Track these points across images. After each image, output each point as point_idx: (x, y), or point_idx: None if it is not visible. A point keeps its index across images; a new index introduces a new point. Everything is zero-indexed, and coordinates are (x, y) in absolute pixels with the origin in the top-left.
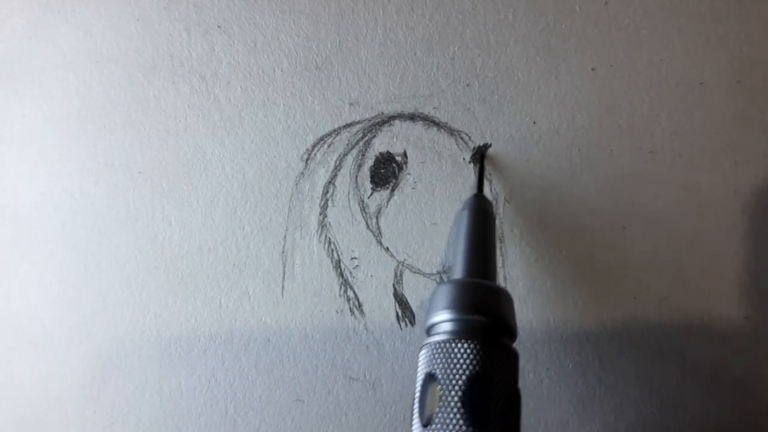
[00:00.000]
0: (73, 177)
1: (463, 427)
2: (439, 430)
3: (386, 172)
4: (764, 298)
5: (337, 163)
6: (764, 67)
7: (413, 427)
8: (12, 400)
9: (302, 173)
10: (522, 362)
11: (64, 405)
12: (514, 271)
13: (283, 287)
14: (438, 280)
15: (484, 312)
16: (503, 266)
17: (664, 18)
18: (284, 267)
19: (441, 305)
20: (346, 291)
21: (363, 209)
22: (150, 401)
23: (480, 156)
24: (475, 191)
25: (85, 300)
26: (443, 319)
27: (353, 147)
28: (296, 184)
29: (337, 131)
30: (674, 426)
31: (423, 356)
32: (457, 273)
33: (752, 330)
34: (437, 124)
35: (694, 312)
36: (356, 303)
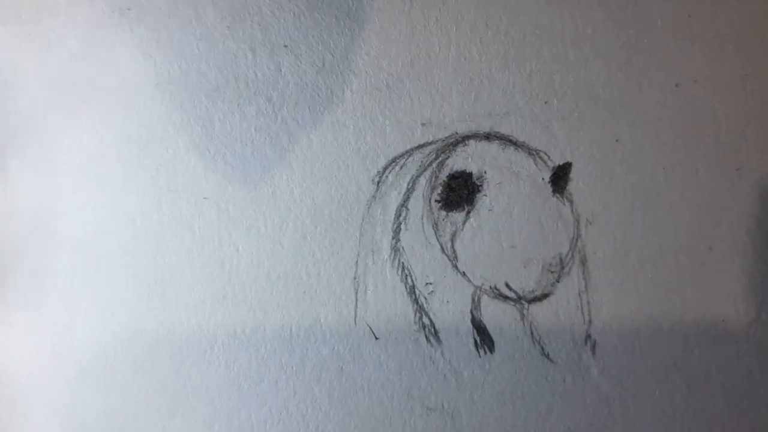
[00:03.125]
0: (135, 203)
1: None
2: None
3: (461, 193)
4: None
5: (410, 185)
6: None
7: None
8: None
9: (374, 196)
10: (607, 390)
11: (59, 391)
12: (598, 296)
13: (355, 315)
14: (518, 306)
15: None
16: (586, 290)
17: (749, 32)
18: (356, 293)
19: None
20: (421, 317)
21: (437, 233)
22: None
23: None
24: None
25: (150, 331)
26: None
27: (426, 168)
28: (368, 208)
29: (409, 152)
30: None
31: None
32: None
33: None
34: (514, 144)
35: None
36: (432, 330)
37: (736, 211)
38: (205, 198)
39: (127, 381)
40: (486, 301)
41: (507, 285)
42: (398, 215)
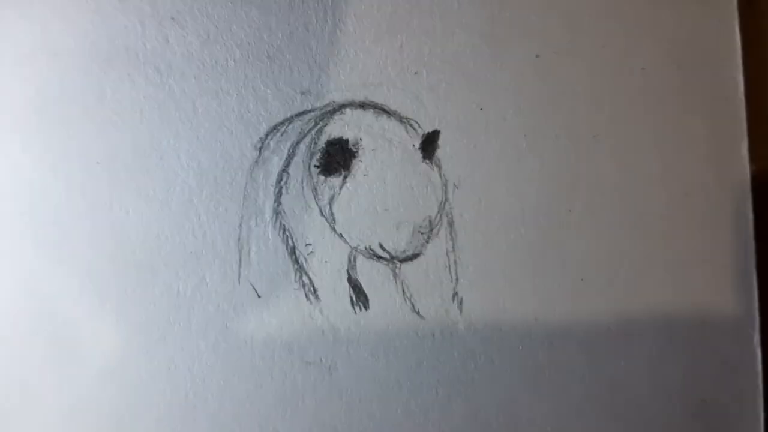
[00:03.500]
0: (31, 169)
1: None
2: None
3: (338, 159)
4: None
5: (291, 151)
6: (699, 52)
7: None
8: None
9: (256, 162)
10: (473, 344)
11: (24, 392)
12: (465, 256)
13: (239, 274)
14: (390, 265)
15: None
16: (453, 250)
17: (608, 4)
18: (240, 254)
19: None
20: (301, 277)
21: (316, 196)
22: (109, 389)
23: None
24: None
25: (46, 288)
26: None
27: (306, 135)
28: (250, 173)
29: (289, 120)
30: (621, 404)
31: None
32: None
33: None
34: (387, 112)
35: (641, 291)
36: (311, 288)
37: (593, 177)
38: (97, 163)
39: (22, 335)
40: (361, 261)
41: (381, 246)
42: (279, 180)
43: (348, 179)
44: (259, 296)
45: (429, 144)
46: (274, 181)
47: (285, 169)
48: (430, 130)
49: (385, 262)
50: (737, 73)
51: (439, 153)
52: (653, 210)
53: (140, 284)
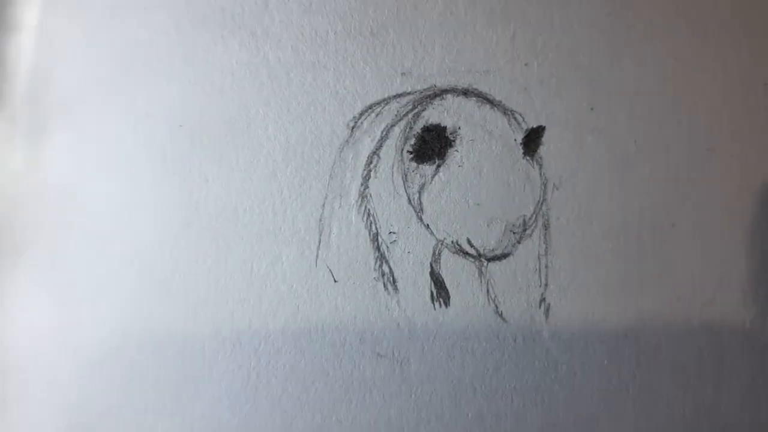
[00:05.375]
0: (112, 124)
1: None
2: None
3: (434, 146)
4: None
5: (384, 133)
6: None
7: None
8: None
9: (347, 141)
10: (556, 354)
11: (83, 358)
12: (557, 260)
13: (317, 256)
14: (477, 263)
15: None
16: (546, 254)
17: (733, 15)
18: (320, 235)
19: None
20: (381, 265)
21: (406, 183)
22: (172, 360)
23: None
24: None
25: (117, 251)
26: None
27: (402, 118)
28: (340, 152)
29: (386, 101)
30: (706, 430)
31: None
32: None
33: None
34: (491, 102)
35: (738, 318)
36: (391, 278)
37: (703, 192)
38: (180, 126)
39: (86, 300)
40: (446, 255)
41: (468, 241)
42: (369, 162)
43: (441, 168)
44: (335, 281)
45: (532, 140)
46: (364, 162)
47: (376, 152)
48: (535, 126)
49: (472, 259)
50: None
51: (542, 150)
52: (763, 234)
53: (212, 256)
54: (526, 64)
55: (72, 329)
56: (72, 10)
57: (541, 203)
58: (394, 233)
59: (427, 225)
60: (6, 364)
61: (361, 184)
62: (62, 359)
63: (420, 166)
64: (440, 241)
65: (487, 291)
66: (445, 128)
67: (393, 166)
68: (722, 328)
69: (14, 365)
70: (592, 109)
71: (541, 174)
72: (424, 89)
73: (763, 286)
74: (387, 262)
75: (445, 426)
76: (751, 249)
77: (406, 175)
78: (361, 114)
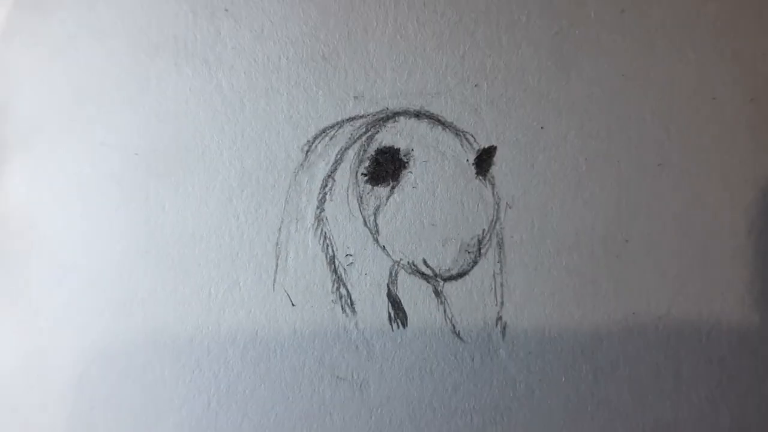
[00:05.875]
0: (67, 155)
1: None
2: None
3: (388, 168)
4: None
5: (338, 156)
6: None
7: None
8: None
9: (302, 165)
10: (514, 372)
11: (46, 387)
12: (512, 279)
13: (274, 280)
14: (433, 283)
15: None
16: (501, 272)
17: (679, 31)
18: (277, 259)
19: None
20: (338, 288)
21: (361, 206)
22: (132, 387)
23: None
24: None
25: (73, 279)
26: None
27: (355, 141)
28: (295, 176)
29: (340, 124)
30: None
31: None
32: None
33: (751, 353)
34: (443, 124)
35: (694, 331)
36: (348, 301)
37: (654, 206)
38: (136, 154)
39: (49, 331)
40: (403, 276)
41: (424, 262)
42: (324, 185)
43: (396, 190)
44: (293, 305)
45: (484, 160)
46: (319, 186)
47: (331, 175)
48: (487, 146)
49: (428, 279)
50: None
51: (494, 170)
52: (716, 246)
53: (170, 283)
54: (476, 86)
55: (35, 359)
56: (27, 41)
57: (495, 222)
58: (350, 255)
59: (383, 246)
60: None
61: (317, 207)
62: (26, 389)
63: (375, 188)
64: (396, 262)
65: (444, 311)
66: (398, 150)
67: (348, 188)
68: (678, 342)
69: None
70: (542, 128)
71: (494, 193)
72: (377, 112)
73: (717, 299)
74: (344, 284)
75: None
76: (705, 262)
77: (361, 198)
78: (315, 138)
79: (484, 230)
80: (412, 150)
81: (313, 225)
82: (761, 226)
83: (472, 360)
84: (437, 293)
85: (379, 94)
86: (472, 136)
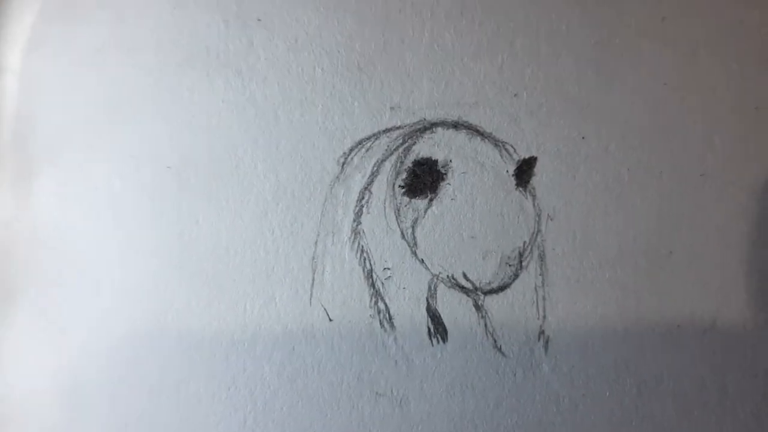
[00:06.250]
0: (97, 168)
1: None
2: None
3: (425, 180)
4: None
5: (375, 168)
6: None
7: None
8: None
9: (338, 177)
10: (557, 387)
11: (79, 402)
12: (554, 292)
13: (311, 295)
14: (473, 296)
15: None
16: (543, 285)
17: (722, 39)
18: (314, 274)
19: None
20: (377, 302)
21: (399, 218)
22: (166, 404)
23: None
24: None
25: (107, 294)
26: None
27: (392, 153)
28: (331, 188)
29: (376, 135)
30: None
31: None
32: None
33: None
34: (481, 134)
35: (739, 344)
36: (387, 315)
37: (698, 218)
38: (168, 167)
39: (79, 344)
40: (442, 289)
41: (464, 275)
42: (361, 198)
43: (434, 202)
44: (330, 320)
45: (524, 171)
46: (355, 198)
47: (367, 187)
48: (527, 156)
49: (468, 293)
50: None
51: (535, 181)
52: (760, 258)
53: (205, 298)
54: (515, 95)
55: (66, 377)
56: (56, 52)
57: (536, 234)
58: (388, 269)
59: (422, 260)
60: (2, 413)
61: (354, 221)
62: (58, 404)
63: (412, 200)
64: (435, 275)
65: (485, 325)
66: (436, 161)
67: (385, 201)
68: (724, 355)
69: (10, 413)
70: (583, 138)
71: (534, 205)
72: (414, 123)
73: (763, 311)
74: (382, 298)
75: None
76: (749, 273)
77: (398, 210)
78: (351, 150)
79: (525, 242)
80: (450, 161)
81: (349, 238)
82: None
83: (514, 375)
84: (478, 307)
85: (416, 105)
86: (512, 146)
